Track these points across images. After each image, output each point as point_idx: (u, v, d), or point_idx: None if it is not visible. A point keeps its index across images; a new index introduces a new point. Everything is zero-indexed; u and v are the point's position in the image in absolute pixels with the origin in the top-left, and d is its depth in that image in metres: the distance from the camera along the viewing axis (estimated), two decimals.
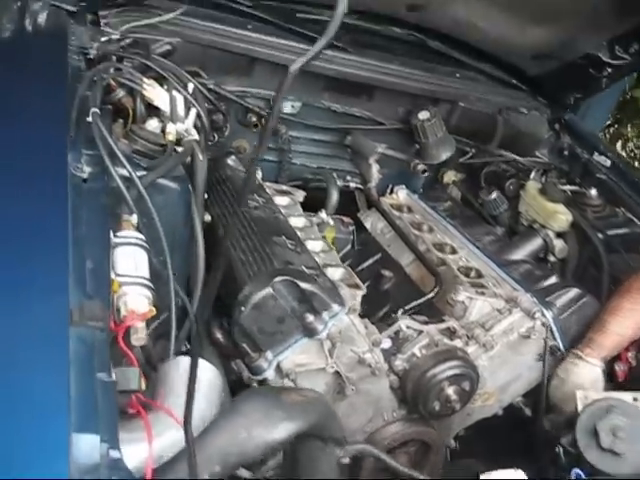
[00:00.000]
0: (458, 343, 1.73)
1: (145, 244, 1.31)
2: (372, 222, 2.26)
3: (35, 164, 1.30)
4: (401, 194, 2.33)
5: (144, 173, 1.41)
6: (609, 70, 2.25)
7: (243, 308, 1.43)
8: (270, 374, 1.47)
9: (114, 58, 1.77)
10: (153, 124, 1.60)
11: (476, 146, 2.40)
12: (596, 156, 2.47)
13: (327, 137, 2.29)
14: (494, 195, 2.20)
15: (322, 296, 1.48)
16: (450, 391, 1.63)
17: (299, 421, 1.08)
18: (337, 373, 1.54)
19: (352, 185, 2.32)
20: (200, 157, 1.60)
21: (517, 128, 2.40)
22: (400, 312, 1.73)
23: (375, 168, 2.33)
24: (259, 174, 2.08)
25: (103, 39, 1.85)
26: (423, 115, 2.21)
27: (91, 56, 1.79)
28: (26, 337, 0.96)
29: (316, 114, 2.22)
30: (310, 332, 1.47)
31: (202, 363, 1.22)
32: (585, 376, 1.77)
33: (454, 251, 2.04)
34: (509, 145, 2.45)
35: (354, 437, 1.66)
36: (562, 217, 2.12)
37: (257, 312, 1.44)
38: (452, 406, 1.65)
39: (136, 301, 1.20)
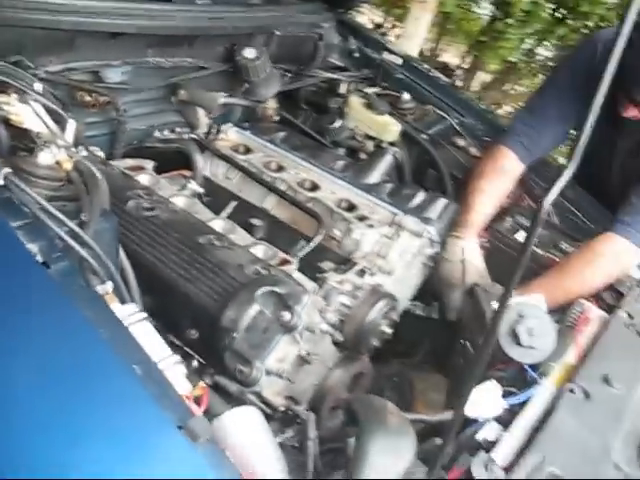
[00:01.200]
0: (368, 278, 1.87)
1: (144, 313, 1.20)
2: (210, 169, 2.20)
3: None
4: (232, 133, 2.27)
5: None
6: None
7: (235, 334, 1.39)
8: (262, 381, 1.48)
9: None
10: (47, 156, 1.36)
11: (291, 70, 2.41)
12: (386, 55, 2.64)
13: (154, 94, 2.11)
14: (340, 122, 2.26)
15: (292, 292, 1.49)
16: (385, 327, 1.79)
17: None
18: (307, 353, 1.60)
19: (185, 136, 2.19)
20: (99, 176, 1.43)
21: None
22: (329, 270, 1.78)
23: (202, 113, 2.23)
24: (101, 154, 1.89)
25: None
26: (249, 53, 2.14)
27: None
28: None
29: (141, 73, 2.02)
30: (289, 329, 1.49)
31: (247, 410, 1.21)
32: (467, 250, 2.05)
33: (315, 186, 2.11)
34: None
35: (306, 394, 1.77)
36: (394, 128, 2.29)
37: (248, 333, 1.41)
38: (386, 336, 1.82)
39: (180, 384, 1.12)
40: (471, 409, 1.53)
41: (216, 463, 0.95)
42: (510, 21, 4.13)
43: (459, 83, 4.81)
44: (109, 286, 1.20)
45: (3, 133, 1.43)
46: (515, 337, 1.77)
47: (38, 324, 1.02)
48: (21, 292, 1.05)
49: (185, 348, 1.56)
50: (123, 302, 1.22)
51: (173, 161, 2.12)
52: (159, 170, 2.02)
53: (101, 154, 1.89)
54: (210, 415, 1.22)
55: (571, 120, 2.18)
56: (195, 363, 1.57)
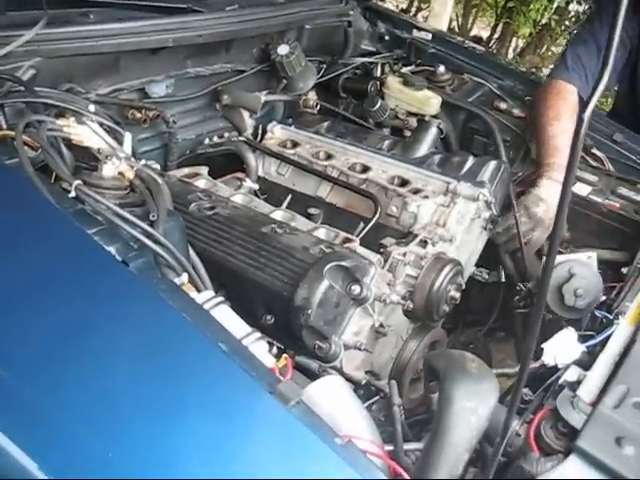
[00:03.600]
0: (430, 248, 1.90)
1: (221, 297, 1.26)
2: (263, 167, 2.26)
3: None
4: (277, 130, 2.32)
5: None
6: None
7: (309, 310, 1.44)
8: (342, 355, 1.53)
9: None
10: (110, 169, 1.45)
11: (325, 61, 2.46)
12: (416, 33, 2.67)
13: (199, 103, 2.19)
14: (379, 103, 2.30)
15: (358, 265, 1.53)
16: (453, 291, 1.82)
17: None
18: (380, 324, 1.64)
19: (234, 139, 2.26)
20: (160, 181, 1.51)
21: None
22: (390, 245, 1.82)
23: (246, 115, 2.30)
24: (157, 166, 1.98)
25: None
26: (283, 50, 2.20)
27: None
28: None
29: (184, 84, 2.11)
30: (360, 302, 1.54)
31: (332, 379, 1.26)
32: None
33: (366, 168, 2.14)
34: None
35: (386, 368, 1.82)
36: (434, 100, 2.32)
37: (321, 308, 1.47)
38: (455, 301, 1.84)
39: (265, 358, 1.18)
40: (549, 357, 1.55)
41: (310, 422, 1.00)
42: None
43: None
44: (185, 277, 1.27)
45: (67, 153, 1.52)
46: (561, 296, 1.80)
47: (130, 315, 1.09)
48: (109, 288, 1.12)
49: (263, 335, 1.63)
50: (199, 291, 1.29)
51: (225, 166, 2.20)
52: (213, 176, 2.10)
53: (157, 166, 1.97)
54: None
55: (625, 42, 2.26)
56: (275, 349, 1.64)
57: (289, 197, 2.15)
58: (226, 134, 2.28)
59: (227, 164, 2.21)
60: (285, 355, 1.18)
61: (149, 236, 1.27)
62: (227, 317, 1.20)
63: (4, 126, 1.48)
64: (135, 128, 1.97)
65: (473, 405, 1.09)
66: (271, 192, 2.21)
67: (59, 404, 0.98)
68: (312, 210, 2.07)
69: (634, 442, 1.13)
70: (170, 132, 2.06)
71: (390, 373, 1.80)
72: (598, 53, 2.27)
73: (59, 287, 1.12)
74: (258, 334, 1.20)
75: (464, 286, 2.03)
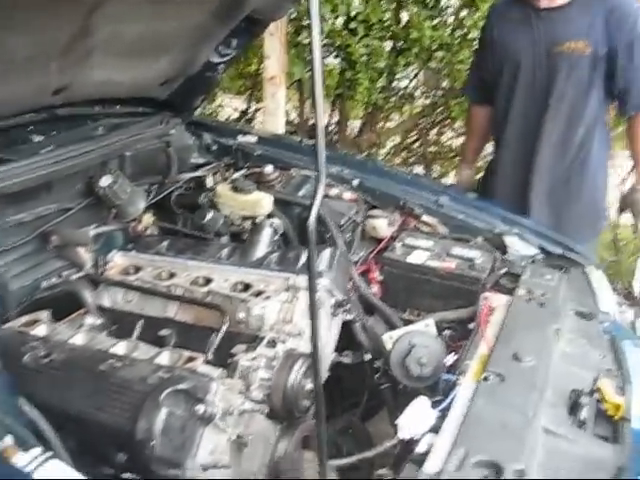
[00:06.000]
0: (280, 347, 1.92)
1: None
2: (110, 298, 2.24)
3: None
4: (118, 258, 2.31)
5: None
6: (220, 67, 2.54)
7: (153, 442, 1.41)
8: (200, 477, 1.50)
9: None
10: None
11: (155, 182, 2.50)
12: (241, 138, 2.78)
13: (28, 249, 2.15)
14: (210, 214, 2.35)
15: (198, 384, 1.53)
16: (309, 384, 1.83)
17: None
18: (238, 436, 1.63)
19: (74, 277, 2.23)
20: None
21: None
22: (238, 353, 1.83)
23: (82, 250, 2.28)
24: None
25: None
26: (105, 181, 2.22)
27: None
28: None
29: (9, 233, 2.07)
30: (207, 420, 1.52)
31: None
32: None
33: (208, 280, 2.16)
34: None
35: (260, 475, 1.79)
36: (265, 201, 2.39)
37: (166, 436, 1.44)
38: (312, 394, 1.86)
39: None
40: (404, 431, 1.59)
41: None
42: (357, 67, 4.38)
43: (335, 138, 5.02)
44: (8, 440, 1.22)
45: None
46: (406, 368, 1.87)
47: None
48: None
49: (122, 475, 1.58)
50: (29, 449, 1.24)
51: (71, 304, 2.16)
52: (60, 317, 2.06)
53: None
54: None
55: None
56: None
57: (140, 323, 2.13)
58: (65, 272, 2.24)
59: (72, 302, 2.17)
60: None
61: None
62: (57, 472, 1.17)
63: None
64: None
65: None
66: (121, 321, 2.17)
67: None
68: (163, 332, 2.05)
69: None
70: (0, 283, 2.01)
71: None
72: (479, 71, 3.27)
73: None
74: None
75: (326, 375, 2.07)
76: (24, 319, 2.00)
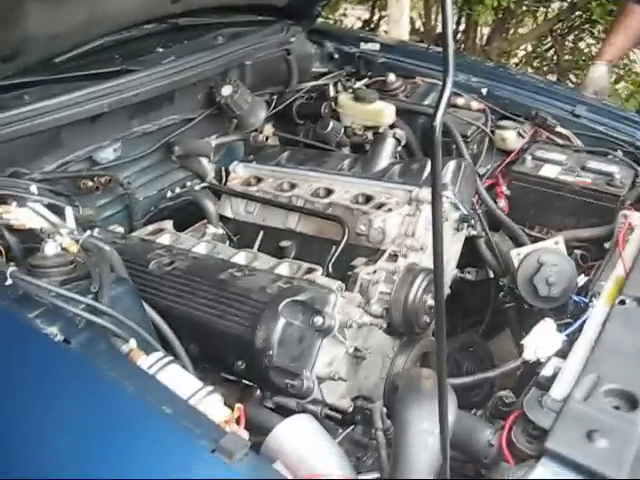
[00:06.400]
0: (401, 261, 1.87)
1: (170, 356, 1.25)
2: (232, 209, 2.26)
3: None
4: (239, 169, 2.32)
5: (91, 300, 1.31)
6: None
7: (271, 351, 1.42)
8: (316, 389, 1.50)
9: None
10: (51, 247, 1.44)
11: (276, 92, 2.47)
12: (363, 45, 2.67)
13: (153, 160, 2.20)
14: (332, 124, 2.29)
15: (316, 296, 1.51)
16: (430, 300, 1.78)
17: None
18: (355, 349, 1.62)
19: (197, 187, 2.26)
20: (107, 248, 1.50)
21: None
22: (359, 266, 1.81)
23: (204, 161, 2.31)
24: (120, 229, 1.99)
25: None
26: (226, 91, 2.20)
27: None
28: None
29: (133, 144, 2.12)
30: (325, 332, 1.51)
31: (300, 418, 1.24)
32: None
33: (329, 191, 2.13)
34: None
35: (377, 390, 1.78)
36: (388, 110, 2.30)
37: (283, 347, 1.44)
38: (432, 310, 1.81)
39: (217, 411, 1.16)
40: (529, 352, 1.51)
41: (258, 475, 0.97)
42: None
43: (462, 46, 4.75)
44: (132, 343, 1.25)
45: (12, 240, 1.53)
46: (534, 287, 1.76)
47: (67, 396, 1.08)
48: (44, 372, 1.12)
49: (241, 380, 1.61)
50: (150, 353, 1.27)
51: (194, 214, 2.20)
52: (183, 227, 2.10)
53: (120, 229, 1.98)
54: None
55: None
56: (258, 392, 1.62)
57: (261, 234, 2.15)
58: (188, 183, 2.28)
59: (195, 212, 2.21)
60: (238, 405, 1.16)
61: (93, 309, 1.27)
62: (176, 376, 1.19)
63: None
64: (90, 197, 1.99)
65: (429, 426, 1.06)
66: (243, 232, 2.21)
67: None
68: (283, 243, 2.07)
69: (606, 434, 1.09)
70: (128, 193, 2.07)
71: (383, 393, 1.78)
72: None
73: None
74: (209, 388, 1.18)
75: (447, 292, 2.01)
76: (150, 228, 2.07)
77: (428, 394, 1.10)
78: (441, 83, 2.41)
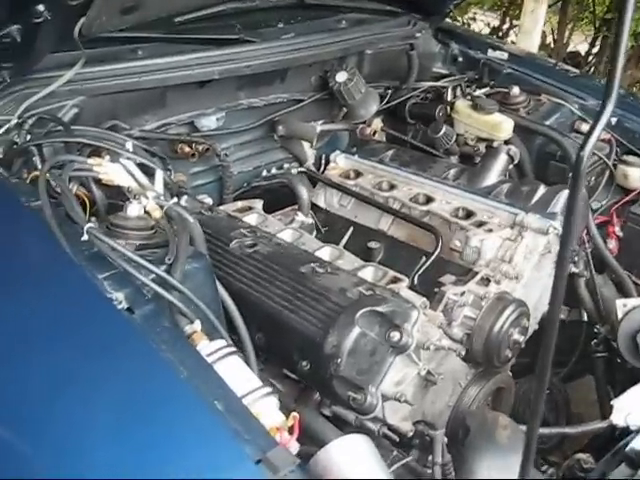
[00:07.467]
0: (493, 287, 1.74)
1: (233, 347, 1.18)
2: (325, 199, 2.18)
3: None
4: (340, 160, 2.23)
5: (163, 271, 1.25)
6: None
7: (339, 360, 1.33)
8: (379, 407, 1.40)
9: (34, 150, 1.53)
10: (135, 208, 1.40)
11: (391, 86, 2.37)
12: (491, 52, 2.52)
13: (254, 135, 2.14)
14: (444, 129, 2.17)
15: (398, 310, 1.41)
16: (516, 335, 1.66)
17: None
18: (428, 372, 1.51)
19: (294, 171, 2.19)
20: (190, 220, 1.44)
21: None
22: (447, 284, 1.70)
23: (306, 145, 2.23)
24: (209, 200, 1.94)
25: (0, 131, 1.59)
26: (341, 77, 2.12)
27: None
28: None
29: (237, 116, 2.06)
30: (401, 349, 1.40)
31: (356, 439, 1.14)
32: None
33: (429, 199, 2.02)
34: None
35: (442, 417, 1.67)
36: (506, 125, 2.15)
37: (353, 357, 1.35)
38: (519, 346, 1.68)
39: (271, 416, 1.08)
40: (618, 417, 1.37)
41: None
42: None
43: (591, 69, 4.49)
44: (197, 325, 1.19)
45: (98, 193, 1.50)
46: (636, 345, 1.61)
47: (118, 368, 1.02)
48: (103, 338, 1.07)
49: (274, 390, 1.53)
50: (214, 339, 1.20)
51: (286, 198, 2.13)
52: (273, 209, 2.04)
53: (209, 200, 1.93)
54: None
55: None
56: (317, 396, 1.54)
57: (350, 230, 2.06)
58: (286, 165, 2.22)
59: (288, 196, 2.14)
60: (294, 414, 1.07)
61: (163, 281, 1.21)
62: (235, 370, 1.12)
63: (39, 166, 1.48)
64: (185, 162, 1.95)
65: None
66: (333, 224, 2.13)
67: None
68: (372, 244, 1.98)
69: None
70: (223, 165, 2.02)
71: (447, 422, 1.66)
72: None
73: (54, 334, 1.08)
74: (267, 389, 1.10)
75: (535, 327, 1.86)
76: (239, 204, 2.01)
77: (503, 446, 0.98)
78: (567, 105, 2.26)
